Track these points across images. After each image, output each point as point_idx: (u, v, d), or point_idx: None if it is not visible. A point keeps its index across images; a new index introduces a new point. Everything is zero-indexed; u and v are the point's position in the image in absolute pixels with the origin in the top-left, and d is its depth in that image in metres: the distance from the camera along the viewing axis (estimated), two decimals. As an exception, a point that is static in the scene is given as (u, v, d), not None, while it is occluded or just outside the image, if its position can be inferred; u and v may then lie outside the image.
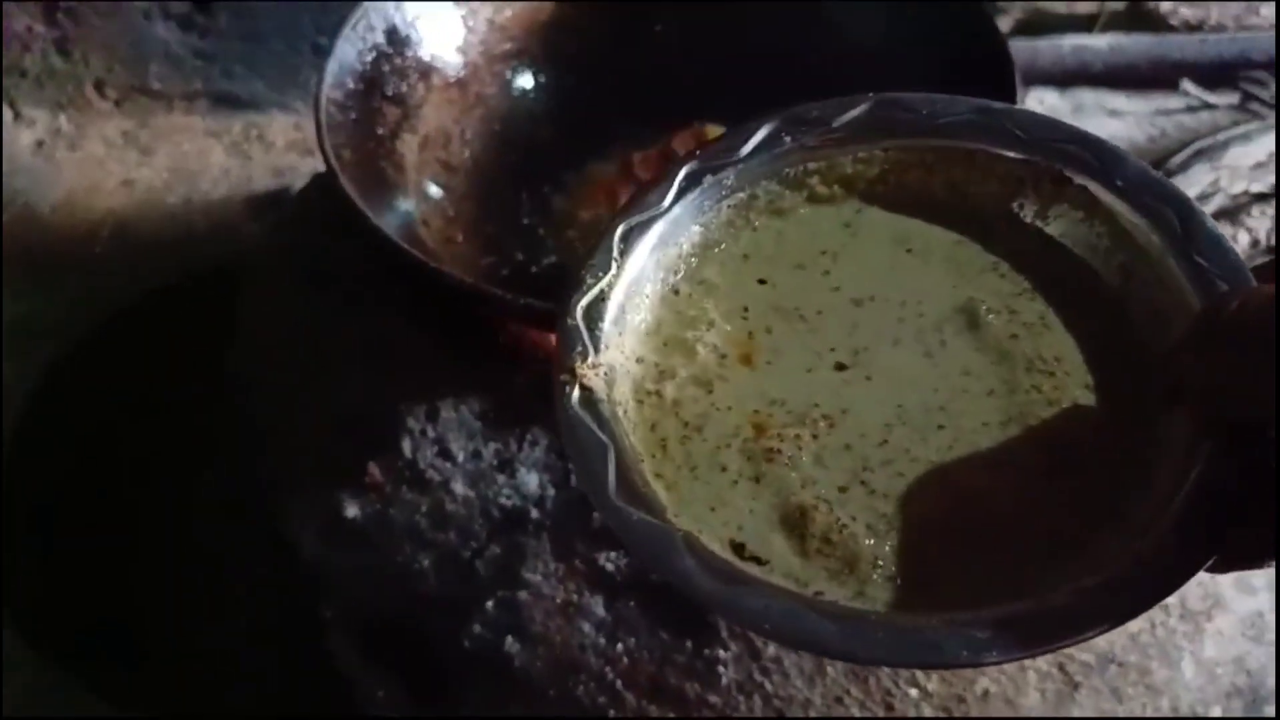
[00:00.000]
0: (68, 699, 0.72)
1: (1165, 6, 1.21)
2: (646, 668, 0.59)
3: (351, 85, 0.65)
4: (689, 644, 0.59)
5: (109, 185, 1.07)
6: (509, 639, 0.60)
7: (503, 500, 0.62)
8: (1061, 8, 1.20)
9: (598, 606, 0.60)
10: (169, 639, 0.71)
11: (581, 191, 0.72)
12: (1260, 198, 0.98)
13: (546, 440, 0.63)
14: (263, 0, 1.05)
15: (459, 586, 0.61)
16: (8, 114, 1.07)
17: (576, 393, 0.35)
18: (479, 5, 0.74)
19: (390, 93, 0.69)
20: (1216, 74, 1.11)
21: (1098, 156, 0.39)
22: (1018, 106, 0.41)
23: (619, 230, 0.39)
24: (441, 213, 0.69)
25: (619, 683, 0.59)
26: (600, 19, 0.77)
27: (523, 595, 0.60)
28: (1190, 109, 1.09)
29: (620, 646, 0.60)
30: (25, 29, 1.02)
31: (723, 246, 0.41)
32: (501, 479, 0.62)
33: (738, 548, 0.34)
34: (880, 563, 0.33)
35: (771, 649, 0.60)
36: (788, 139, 0.40)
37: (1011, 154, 0.40)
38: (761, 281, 0.40)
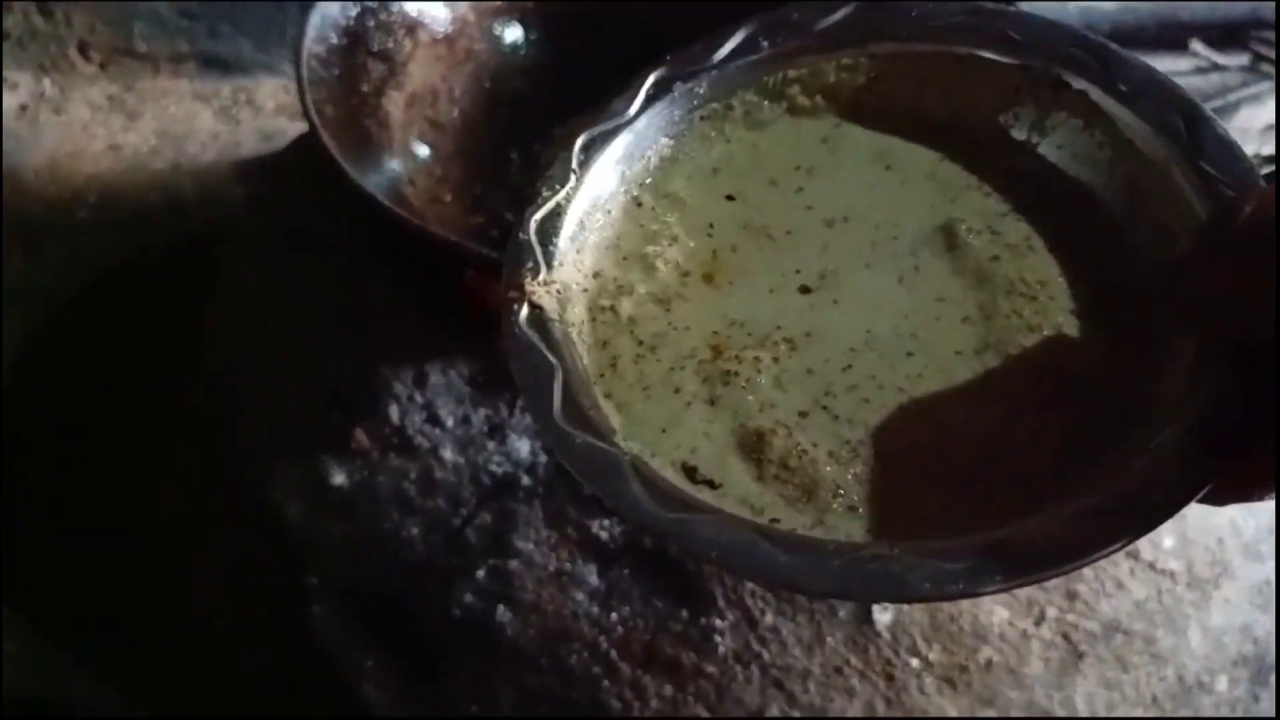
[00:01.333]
0: (57, 671, 0.71)
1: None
2: (641, 636, 0.58)
3: (335, 40, 0.63)
4: (684, 612, 0.58)
5: (94, 149, 1.05)
6: (500, 608, 0.59)
7: (493, 467, 0.60)
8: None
9: (591, 575, 0.59)
10: (151, 607, 0.70)
11: (573, 150, 0.70)
12: (1271, 160, 0.95)
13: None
14: (248, -42, 1.02)
15: (449, 555, 0.60)
16: (-11, 77, 1.05)
17: (525, 311, 0.33)
18: (468, -43, 0.71)
19: (376, 48, 0.67)
20: (1226, 35, 1.08)
21: (1099, 60, 0.37)
22: (1012, 7, 0.39)
23: (580, 141, 0.36)
24: (428, 172, 0.67)
25: (613, 652, 0.58)
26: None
27: (514, 564, 0.59)
28: (1200, 70, 1.06)
29: (614, 615, 0.58)
30: (5, -11, 1.00)
31: (692, 159, 0.39)
32: (492, 445, 0.60)
33: (689, 471, 0.32)
34: (841, 491, 0.31)
35: (769, 618, 0.58)
36: (766, 44, 0.38)
37: (1006, 59, 0.37)
38: (730, 198, 0.38)
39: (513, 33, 0.74)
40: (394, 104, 0.67)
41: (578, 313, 0.35)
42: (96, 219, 1.01)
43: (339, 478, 0.61)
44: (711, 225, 0.37)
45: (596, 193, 0.37)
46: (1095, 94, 0.36)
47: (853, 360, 0.34)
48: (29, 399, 0.86)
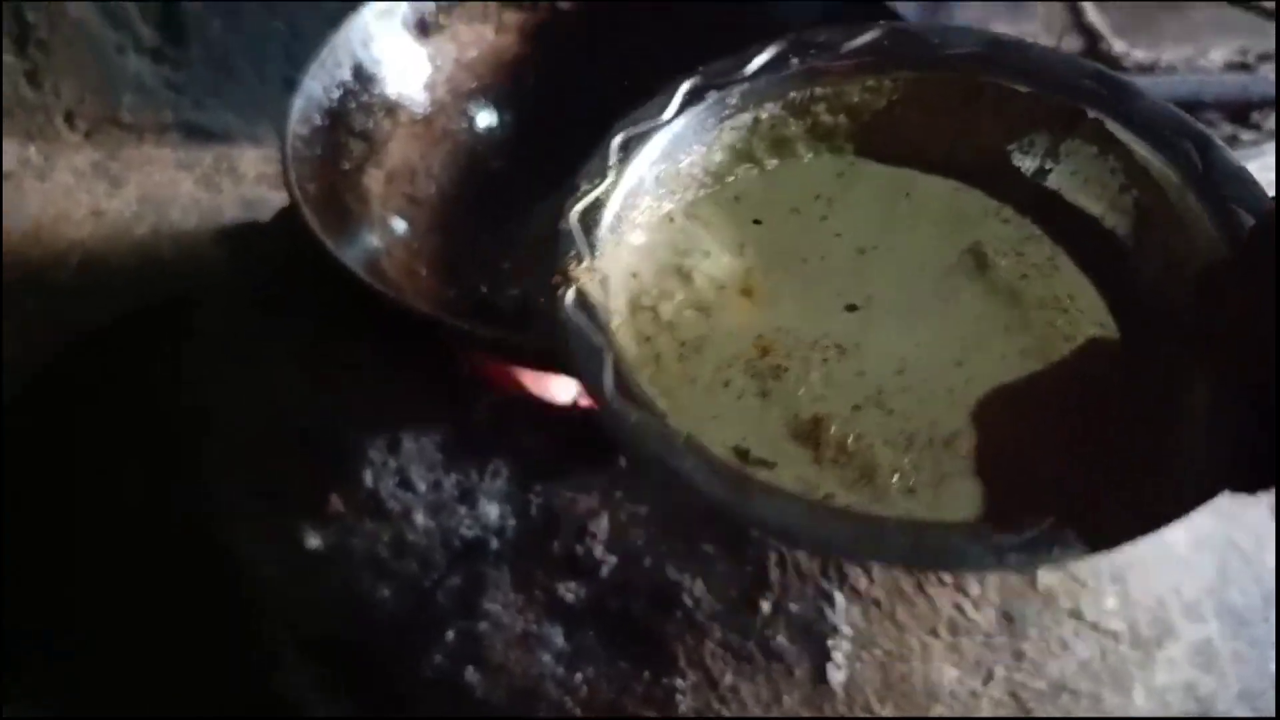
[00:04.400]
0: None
1: (1119, 48, 1.25)
2: (605, 696, 0.60)
3: (318, 121, 0.66)
4: (647, 673, 0.60)
5: (77, 215, 1.07)
6: (469, 669, 0.60)
7: (463, 531, 0.62)
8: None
9: (557, 636, 0.61)
10: (113, 665, 0.70)
11: (545, 225, 0.74)
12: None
13: (508, 471, 0.63)
14: (234, 33, 1.06)
15: (419, 616, 0.62)
16: (-24, 144, 1.08)
17: (572, 295, 0.34)
18: (445, 44, 0.75)
19: (357, 128, 0.70)
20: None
21: (1113, 92, 0.38)
22: (1030, 41, 0.41)
23: (617, 139, 0.38)
24: (406, 246, 0.70)
25: (578, 710, 0.59)
26: (565, 59, 0.79)
27: (483, 625, 0.61)
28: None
29: (579, 676, 0.60)
30: (-5, 60, 1.03)
31: (714, 189, 0.41)
32: (462, 510, 0.63)
33: (742, 454, 0.33)
34: (898, 475, 0.33)
35: (729, 678, 0.60)
36: (795, 61, 0.39)
37: (1023, 88, 0.39)
38: (757, 222, 0.40)
39: (488, 114, 0.77)
40: (374, 180, 0.70)
41: (619, 304, 0.36)
42: (78, 283, 1.03)
43: (314, 541, 0.62)
44: (742, 245, 0.39)
45: (633, 190, 0.38)
46: (1110, 123, 0.38)
47: (903, 366, 0.36)
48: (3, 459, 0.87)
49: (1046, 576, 0.65)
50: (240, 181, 1.13)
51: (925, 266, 0.39)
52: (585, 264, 0.35)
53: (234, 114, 1.11)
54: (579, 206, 0.37)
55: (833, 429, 0.34)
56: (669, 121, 0.39)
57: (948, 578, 0.62)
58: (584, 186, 0.37)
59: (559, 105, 0.77)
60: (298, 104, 0.64)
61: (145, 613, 0.71)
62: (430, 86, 0.75)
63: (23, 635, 0.75)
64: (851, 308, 0.38)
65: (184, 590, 0.70)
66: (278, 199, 1.11)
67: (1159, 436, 0.34)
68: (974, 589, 0.63)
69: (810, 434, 0.34)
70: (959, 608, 0.63)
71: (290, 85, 1.09)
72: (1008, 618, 0.64)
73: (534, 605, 0.61)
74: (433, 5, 0.74)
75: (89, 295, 1.01)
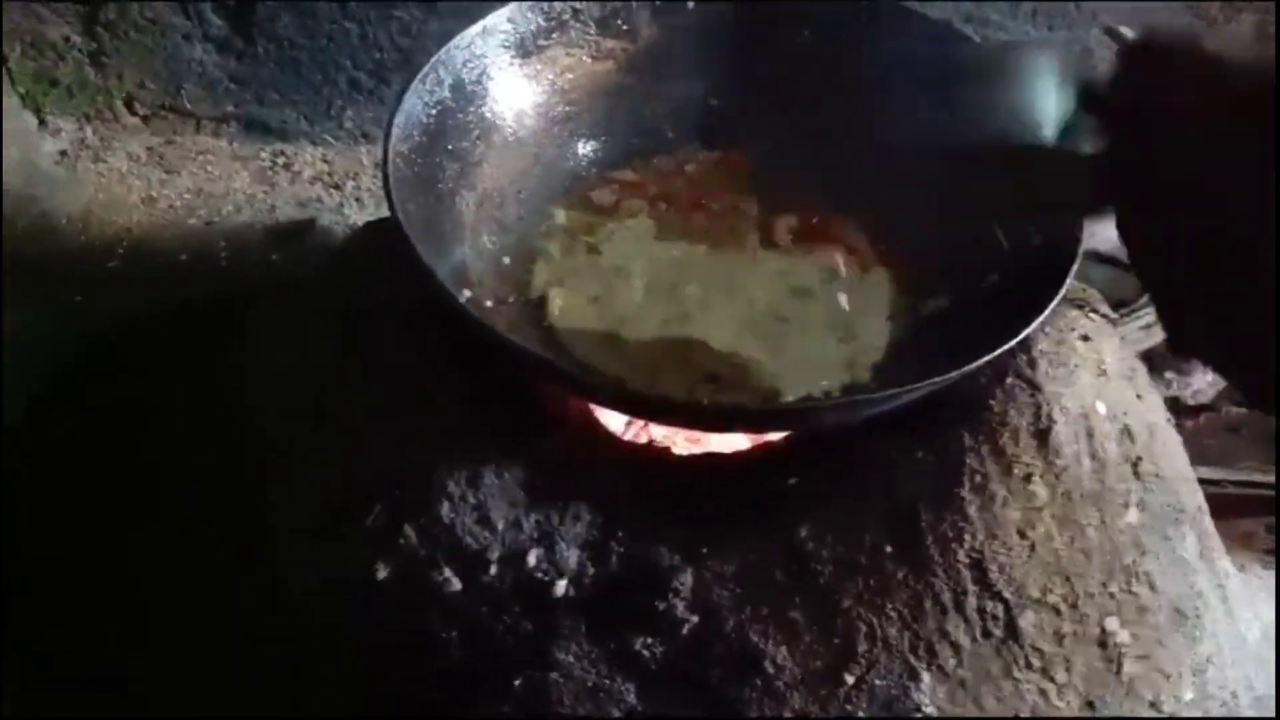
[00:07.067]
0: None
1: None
2: (675, 759, 0.58)
3: (417, 139, 0.64)
4: (720, 738, 0.58)
5: (130, 200, 1.05)
6: (535, 720, 0.58)
7: (539, 575, 0.60)
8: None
9: (629, 694, 0.59)
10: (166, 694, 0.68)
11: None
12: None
13: (589, 515, 0.61)
14: (304, 31, 1.04)
15: (487, 661, 0.59)
16: (32, 121, 1.05)
17: None
18: (544, 68, 0.73)
19: (451, 147, 0.68)
20: None
21: None
22: None
23: None
24: (496, 272, 0.68)
25: (645, 774, 0.57)
26: (658, 92, 0.77)
27: (553, 675, 0.59)
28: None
29: (649, 735, 0.58)
30: (62, 39, 1.01)
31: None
32: (540, 552, 0.60)
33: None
34: None
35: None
36: None
37: None
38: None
39: (580, 141, 0.76)
40: (466, 203, 0.68)
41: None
42: (125, 270, 1.00)
43: (383, 572, 0.60)
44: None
45: None
46: None
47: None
48: (42, 450, 0.84)
49: (1131, 666, 0.63)
50: (296, 180, 1.10)
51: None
52: None
53: (295, 111, 1.09)
54: None
55: None
56: None
57: (1035, 662, 0.61)
58: None
59: (650, 137, 0.76)
60: (399, 121, 0.62)
61: (188, 636, 0.69)
62: (526, 109, 0.73)
63: (46, 645, 0.72)
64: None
65: (235, 614, 0.67)
66: (332, 200, 1.10)
67: None
68: (1059, 674, 0.61)
69: None
70: (1043, 693, 0.61)
71: (356, 87, 1.09)
72: (1090, 705, 0.62)
73: (607, 659, 0.59)
74: (534, 27, 0.72)
75: (136, 284, 0.98)
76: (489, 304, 0.65)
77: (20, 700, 0.68)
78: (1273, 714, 0.71)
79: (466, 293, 0.63)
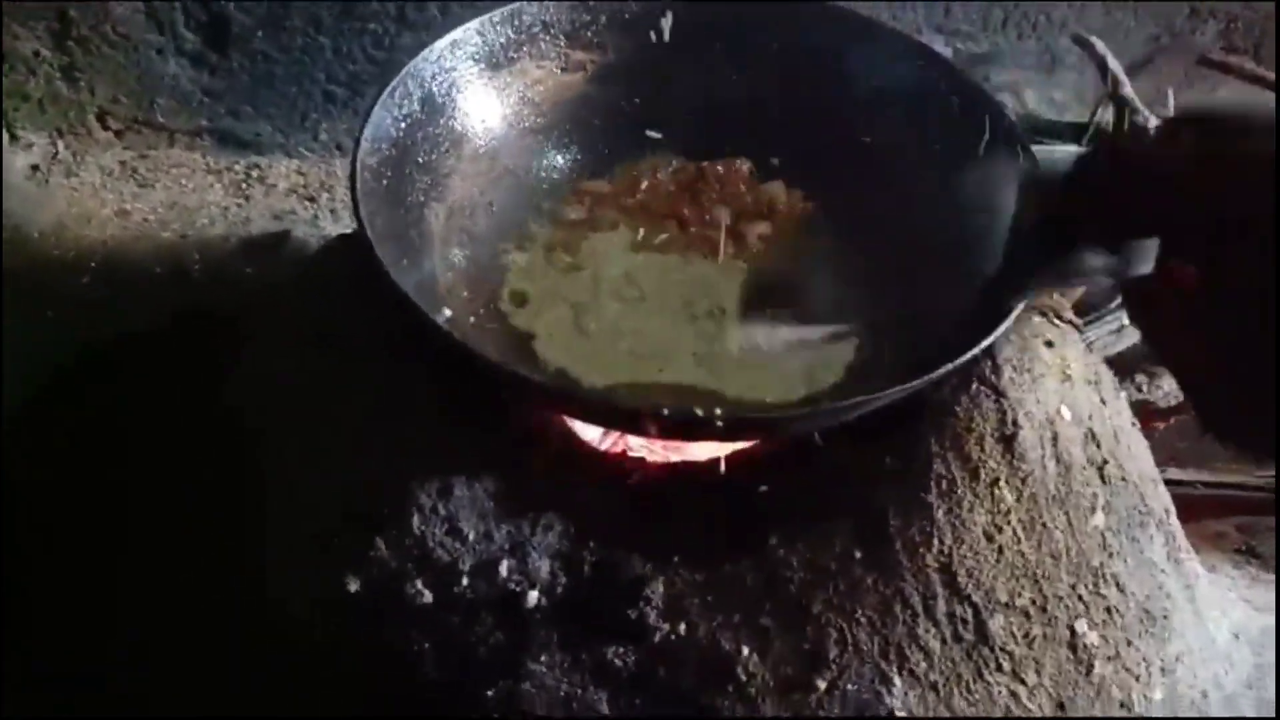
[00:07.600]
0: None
1: (1154, 121, 1.25)
2: (648, 768, 0.58)
3: (386, 151, 0.64)
4: (693, 746, 0.58)
5: (103, 214, 1.04)
6: (507, 730, 0.58)
7: (511, 585, 0.60)
8: (1051, 116, 1.24)
9: (602, 702, 0.59)
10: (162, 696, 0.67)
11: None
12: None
13: (561, 526, 0.61)
14: (277, 45, 1.04)
15: (459, 672, 0.59)
16: (5, 137, 1.05)
17: None
18: (513, 80, 0.74)
19: (421, 160, 0.68)
20: None
21: None
22: None
23: None
24: (466, 283, 0.68)
25: (619, 782, 0.58)
26: (628, 102, 0.78)
27: (525, 685, 0.59)
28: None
29: (622, 744, 0.58)
30: (33, 53, 1.00)
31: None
32: (511, 563, 0.61)
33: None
34: None
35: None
36: None
37: None
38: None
39: (549, 152, 0.76)
40: (435, 215, 0.68)
41: None
42: (99, 285, 1.00)
43: (354, 585, 0.60)
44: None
45: None
46: None
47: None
48: (21, 465, 0.84)
49: (1101, 667, 0.64)
50: (270, 192, 1.10)
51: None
52: None
53: (269, 124, 1.09)
54: None
55: None
56: None
57: (1006, 665, 0.61)
58: None
59: (621, 145, 0.76)
60: (367, 133, 0.63)
61: (175, 642, 0.68)
62: (496, 121, 0.73)
63: (44, 654, 0.72)
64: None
65: (220, 623, 0.67)
66: (307, 213, 1.10)
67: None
68: (1030, 676, 0.62)
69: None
70: (1014, 695, 0.61)
71: (330, 99, 1.09)
72: (1061, 706, 0.63)
73: (580, 668, 0.59)
74: (504, 40, 0.73)
75: (111, 298, 0.98)
76: (459, 316, 0.65)
77: (20, 700, 0.68)
78: (1241, 714, 0.72)
79: (447, 312, 0.63)
